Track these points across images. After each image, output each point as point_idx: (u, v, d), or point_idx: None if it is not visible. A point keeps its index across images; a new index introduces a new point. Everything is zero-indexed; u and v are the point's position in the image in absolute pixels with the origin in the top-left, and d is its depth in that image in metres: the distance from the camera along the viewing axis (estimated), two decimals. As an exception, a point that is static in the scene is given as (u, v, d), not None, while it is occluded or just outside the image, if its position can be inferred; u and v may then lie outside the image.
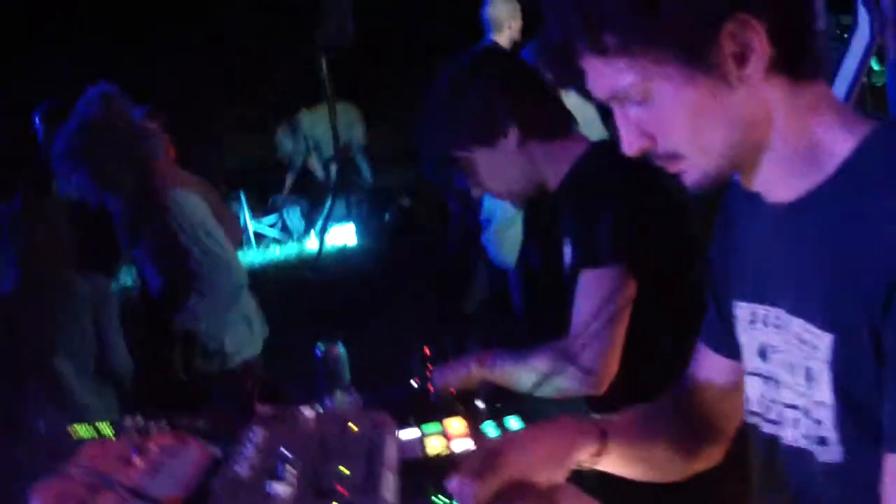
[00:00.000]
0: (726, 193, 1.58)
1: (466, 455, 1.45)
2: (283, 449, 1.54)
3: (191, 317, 3.69)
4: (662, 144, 1.31)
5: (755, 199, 1.37)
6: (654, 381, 2.22)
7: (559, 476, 1.44)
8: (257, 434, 1.63)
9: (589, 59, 1.28)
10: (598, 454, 1.51)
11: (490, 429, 2.27)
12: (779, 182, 1.31)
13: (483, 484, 1.34)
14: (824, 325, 1.24)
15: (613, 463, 1.54)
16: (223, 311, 3.79)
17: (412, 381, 2.64)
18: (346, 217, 8.88)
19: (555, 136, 2.30)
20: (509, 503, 1.34)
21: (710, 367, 1.61)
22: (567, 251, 2.29)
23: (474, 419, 2.27)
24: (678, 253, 2.30)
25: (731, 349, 1.53)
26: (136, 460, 1.58)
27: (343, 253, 8.94)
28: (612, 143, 2.39)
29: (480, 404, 2.50)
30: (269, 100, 7.63)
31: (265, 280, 8.26)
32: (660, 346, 2.23)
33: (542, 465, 1.42)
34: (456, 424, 2.09)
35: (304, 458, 1.52)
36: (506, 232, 5.85)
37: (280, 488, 1.40)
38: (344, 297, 7.45)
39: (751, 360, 1.43)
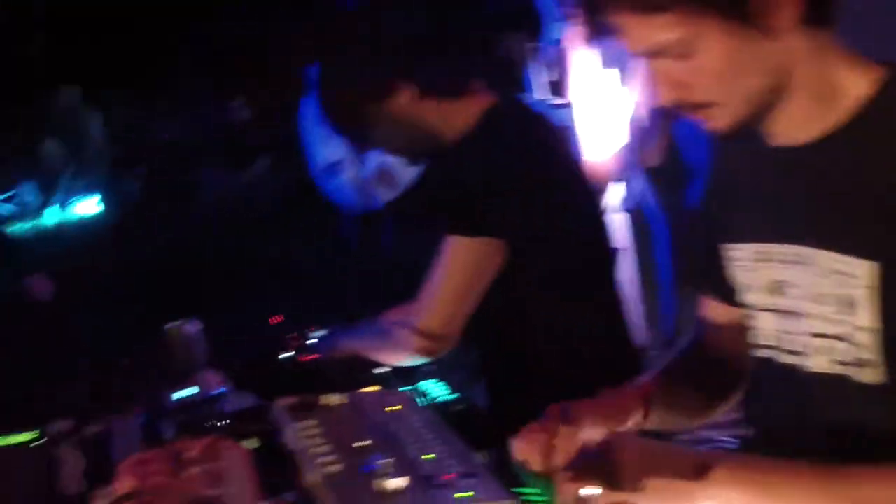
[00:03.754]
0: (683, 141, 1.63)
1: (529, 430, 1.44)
2: (361, 441, 1.46)
3: None
4: (698, 94, 1.36)
5: (753, 143, 1.43)
6: (544, 343, 2.24)
7: None
8: (303, 427, 1.53)
9: (628, 16, 1.31)
10: (643, 419, 1.57)
11: (417, 396, 2.22)
12: (794, 125, 1.39)
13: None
14: (865, 254, 1.33)
15: (655, 422, 1.59)
16: None
17: (279, 355, 2.53)
18: (87, 189, 8.40)
19: (453, 95, 2.21)
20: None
21: (713, 311, 1.68)
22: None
23: (387, 387, 2.24)
24: (560, 218, 2.24)
25: (723, 292, 1.60)
26: (193, 470, 1.44)
27: (86, 224, 8.44)
28: (511, 101, 2.33)
29: (381, 371, 2.44)
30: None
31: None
32: (545, 311, 2.24)
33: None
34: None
35: (381, 447, 1.45)
36: None
37: (393, 483, 1.32)
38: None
39: (760, 297, 1.50)
